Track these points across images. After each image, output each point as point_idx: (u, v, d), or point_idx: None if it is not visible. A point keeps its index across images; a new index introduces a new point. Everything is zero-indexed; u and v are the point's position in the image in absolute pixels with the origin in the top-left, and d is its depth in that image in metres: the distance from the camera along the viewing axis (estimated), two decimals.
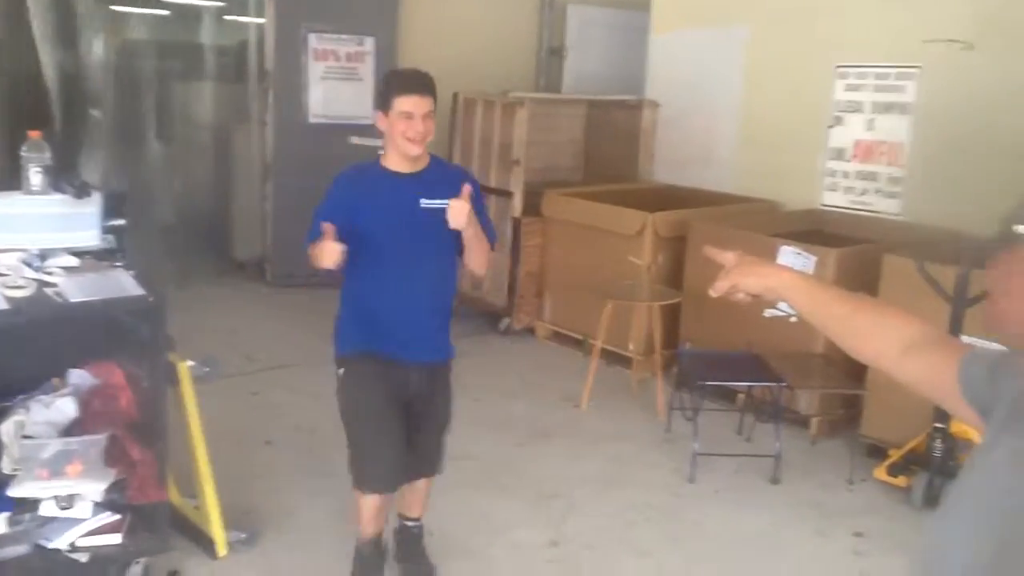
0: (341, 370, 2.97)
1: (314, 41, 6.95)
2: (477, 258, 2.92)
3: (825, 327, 1.46)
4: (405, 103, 2.75)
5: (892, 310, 1.43)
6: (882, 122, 5.36)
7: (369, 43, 7.09)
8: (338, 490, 3.45)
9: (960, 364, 1.27)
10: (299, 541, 3.50)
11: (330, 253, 2.65)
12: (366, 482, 2.97)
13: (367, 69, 7.09)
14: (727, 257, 1.54)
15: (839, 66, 5.51)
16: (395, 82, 2.85)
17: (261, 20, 7.24)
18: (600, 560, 3.52)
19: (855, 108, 5.47)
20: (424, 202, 2.84)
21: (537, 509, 3.86)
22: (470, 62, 7.10)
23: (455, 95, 6.42)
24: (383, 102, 2.80)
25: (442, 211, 2.80)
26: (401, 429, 2.94)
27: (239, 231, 7.49)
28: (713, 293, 1.55)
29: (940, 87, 5.05)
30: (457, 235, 2.84)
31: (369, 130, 6.94)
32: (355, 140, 6.74)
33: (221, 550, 3.31)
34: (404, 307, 2.90)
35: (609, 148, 6.89)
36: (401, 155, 2.83)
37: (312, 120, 6.96)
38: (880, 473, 4.15)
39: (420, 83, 2.80)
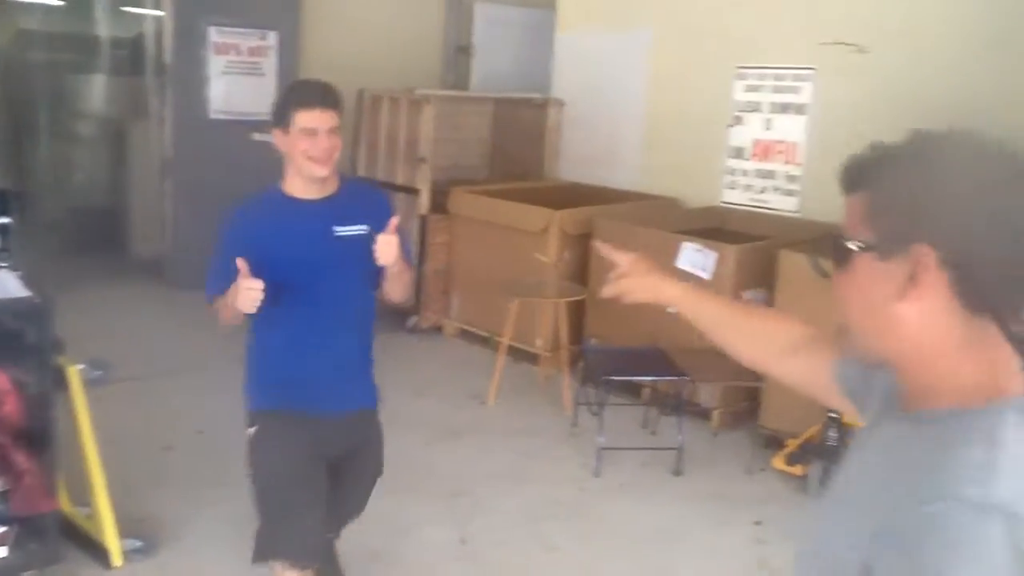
0: (250, 429, 2.62)
1: (215, 34, 6.77)
2: (401, 289, 2.65)
3: (713, 335, 1.54)
4: (306, 118, 2.43)
5: (774, 315, 1.52)
6: (779, 122, 5.52)
7: (272, 37, 6.95)
8: (237, 497, 3.37)
9: (834, 363, 1.33)
10: (197, 549, 3.42)
11: (247, 295, 2.29)
12: (284, 555, 2.56)
13: (270, 64, 6.95)
14: (622, 259, 1.57)
15: (739, 67, 5.65)
16: (294, 95, 2.53)
17: (160, 12, 7.03)
18: (508, 556, 3.53)
19: (754, 108, 5.62)
20: (338, 230, 2.53)
21: (446, 507, 3.85)
22: (376, 58, 7.04)
23: (360, 92, 6.35)
24: (281, 118, 2.46)
25: (360, 239, 2.51)
26: (322, 493, 2.58)
27: (138, 230, 7.26)
28: (604, 294, 1.59)
29: (834, 88, 5.22)
30: (375, 263, 2.52)
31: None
32: (257, 136, 6.62)
33: (116, 560, 3.20)
34: (321, 353, 2.57)
35: (515, 146, 6.92)
36: (306, 178, 2.50)
37: (213, 116, 6.78)
38: (778, 463, 4.27)
39: (322, 95, 2.48)
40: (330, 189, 2.56)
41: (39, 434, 2.96)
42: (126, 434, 4.11)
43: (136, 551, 3.28)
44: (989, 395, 1.00)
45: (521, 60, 7.92)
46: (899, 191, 1.02)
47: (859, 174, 1.09)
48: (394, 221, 2.50)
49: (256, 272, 2.33)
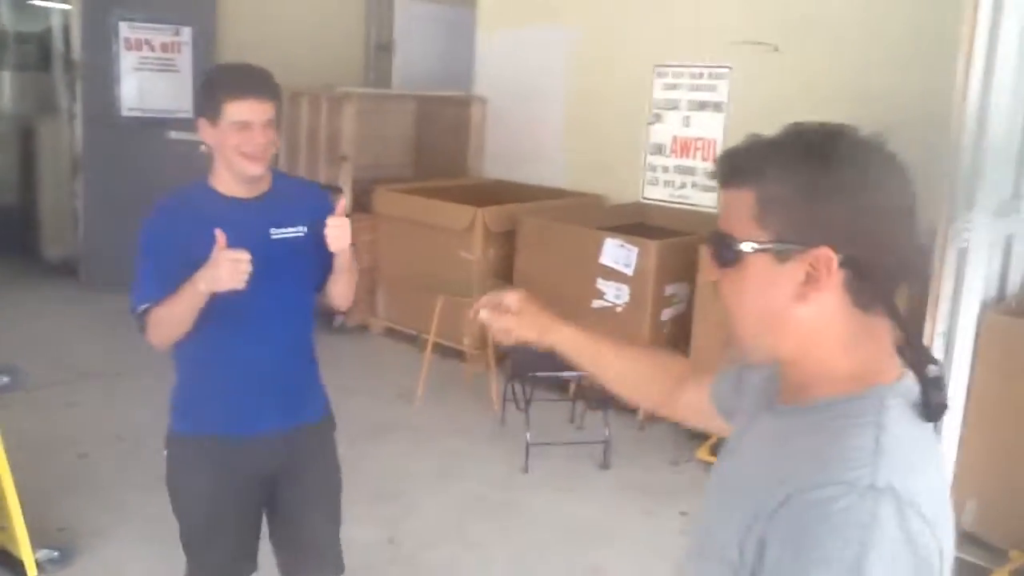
0: (166, 451, 2.41)
1: (125, 30, 6.58)
2: (346, 290, 2.40)
3: (602, 379, 1.55)
4: (239, 110, 2.13)
5: (659, 356, 1.57)
6: (697, 119, 5.62)
7: (186, 33, 6.78)
8: (157, 503, 3.29)
9: (711, 386, 1.38)
10: (117, 556, 3.32)
11: (235, 267, 2.05)
12: None
13: (184, 60, 6.78)
14: (510, 298, 1.54)
15: (657, 65, 5.73)
16: (224, 83, 2.19)
17: (67, 6, 6.80)
18: (437, 556, 3.53)
19: (672, 106, 5.71)
20: (275, 232, 2.26)
21: (374, 508, 3.82)
22: (295, 55, 6.92)
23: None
24: (208, 108, 2.16)
25: (298, 243, 2.28)
26: (244, 524, 2.41)
27: (47, 230, 7.01)
28: (489, 324, 1.55)
29: (749, 86, 5.34)
30: (317, 266, 2.32)
31: (188, 124, 6.68)
32: (174, 135, 6.47)
33: (31, 572, 3.09)
34: (251, 367, 2.30)
35: (439, 144, 6.90)
36: (237, 176, 2.21)
37: (126, 113, 6.59)
38: (703, 453, 4.36)
39: (257, 82, 2.18)
40: (264, 186, 2.28)
41: None
42: (38, 442, 3.97)
43: (52, 561, 3.18)
44: (869, 382, 1.04)
45: (443, 57, 7.91)
46: (792, 190, 1.03)
47: (741, 168, 1.08)
48: (341, 203, 2.29)
49: (183, 278, 2.11)
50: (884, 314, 1.05)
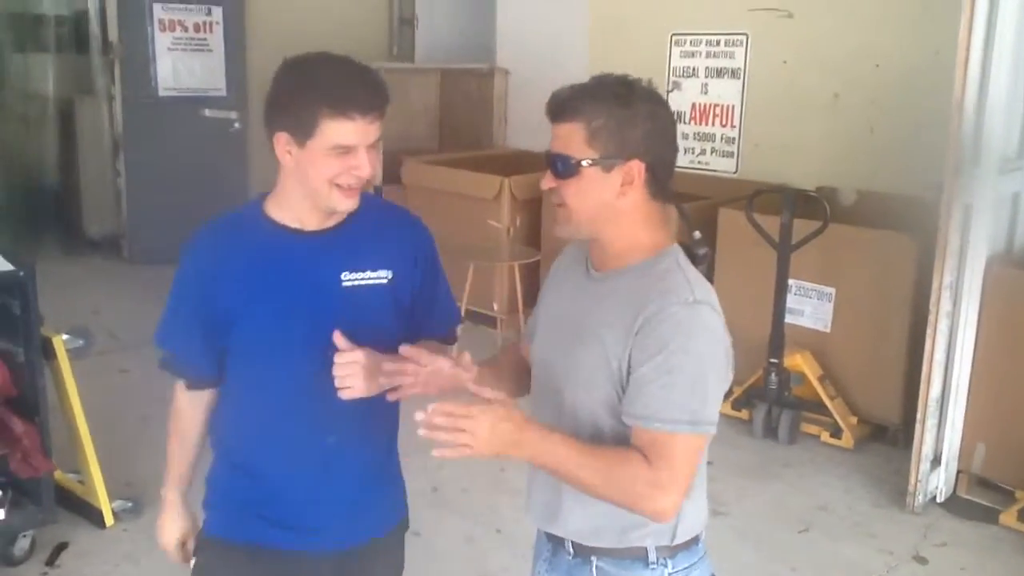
0: (193, 559, 1.92)
1: (159, 11, 6.81)
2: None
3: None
4: (344, 131, 1.57)
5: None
6: (715, 86, 5.77)
7: (217, 13, 7.00)
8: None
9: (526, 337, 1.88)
10: None
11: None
12: None
13: (216, 39, 7.01)
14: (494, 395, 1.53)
15: (675, 34, 5.88)
16: (324, 90, 1.58)
17: None
18: (477, 501, 3.78)
19: (691, 73, 5.87)
20: (348, 278, 1.72)
21: (414, 460, 4.06)
22: (320, 32, 7.02)
23: None
24: (294, 121, 1.59)
25: (380, 290, 1.75)
26: None
27: (90, 208, 7.28)
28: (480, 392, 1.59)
29: (765, 52, 5.49)
30: (401, 319, 1.80)
31: (221, 101, 6.92)
32: (208, 113, 6.70)
33: (108, 519, 3.36)
34: (319, 457, 1.78)
35: (463, 116, 7.09)
36: (319, 208, 1.68)
37: (163, 93, 6.84)
38: (725, 408, 4.57)
39: (371, 93, 1.62)
40: (339, 217, 1.72)
41: (30, 402, 3.11)
42: (101, 405, 4.23)
43: (126, 511, 3.45)
44: (661, 247, 1.59)
45: (464, 30, 8.05)
46: (610, 121, 1.51)
47: (569, 107, 1.54)
48: (339, 338, 1.65)
49: (222, 333, 1.71)
50: (666, 200, 1.61)
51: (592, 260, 1.66)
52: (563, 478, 1.53)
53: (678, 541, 1.61)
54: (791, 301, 4.44)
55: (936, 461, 3.80)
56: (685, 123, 5.91)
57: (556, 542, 1.71)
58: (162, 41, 6.82)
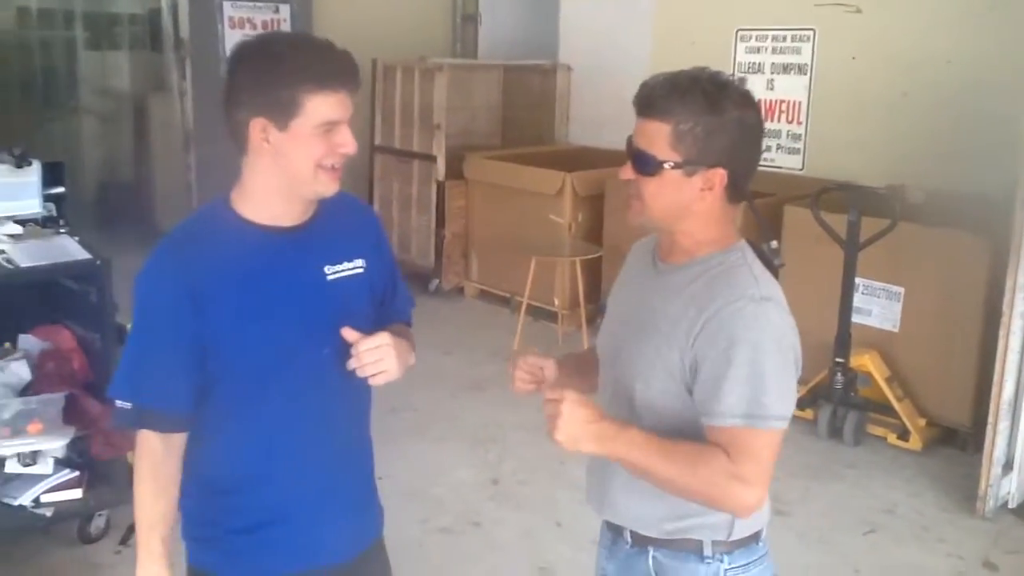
0: None
1: (229, 9, 6.95)
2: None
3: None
4: (328, 106, 1.51)
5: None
6: (781, 82, 5.70)
7: (285, 10, 7.12)
8: None
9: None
10: None
11: None
12: None
13: None
14: (548, 369, 1.75)
15: (740, 29, 5.82)
16: (301, 66, 1.50)
17: None
18: (537, 493, 3.80)
19: (756, 69, 5.80)
20: (331, 271, 1.65)
21: (475, 452, 4.12)
22: (386, 29, 7.19)
23: (374, 61, 6.54)
24: (272, 104, 1.49)
25: (359, 280, 1.69)
26: None
27: (162, 201, 7.48)
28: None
29: (832, 48, 5.40)
30: (374, 306, 1.75)
31: None
32: None
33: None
34: (313, 468, 1.69)
35: (525, 112, 7.10)
36: (298, 197, 1.60)
37: None
38: None
39: (347, 66, 1.56)
40: (312, 209, 1.64)
41: (106, 387, 3.21)
42: None
43: None
44: (728, 243, 1.59)
45: (527, 27, 8.07)
46: (697, 127, 1.49)
47: (659, 105, 1.51)
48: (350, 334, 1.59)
49: (210, 356, 1.56)
50: (741, 200, 1.60)
51: (660, 251, 1.67)
52: (646, 474, 1.51)
53: (735, 537, 1.60)
54: (858, 300, 4.36)
55: (1008, 465, 3.71)
56: None
57: (616, 531, 1.72)
58: (232, 38, 6.95)
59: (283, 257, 1.60)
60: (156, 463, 1.60)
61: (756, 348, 1.47)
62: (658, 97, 1.51)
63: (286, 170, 1.53)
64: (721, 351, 1.48)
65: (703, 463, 1.48)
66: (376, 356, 1.56)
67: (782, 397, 1.50)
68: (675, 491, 1.52)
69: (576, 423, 1.47)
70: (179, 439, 1.62)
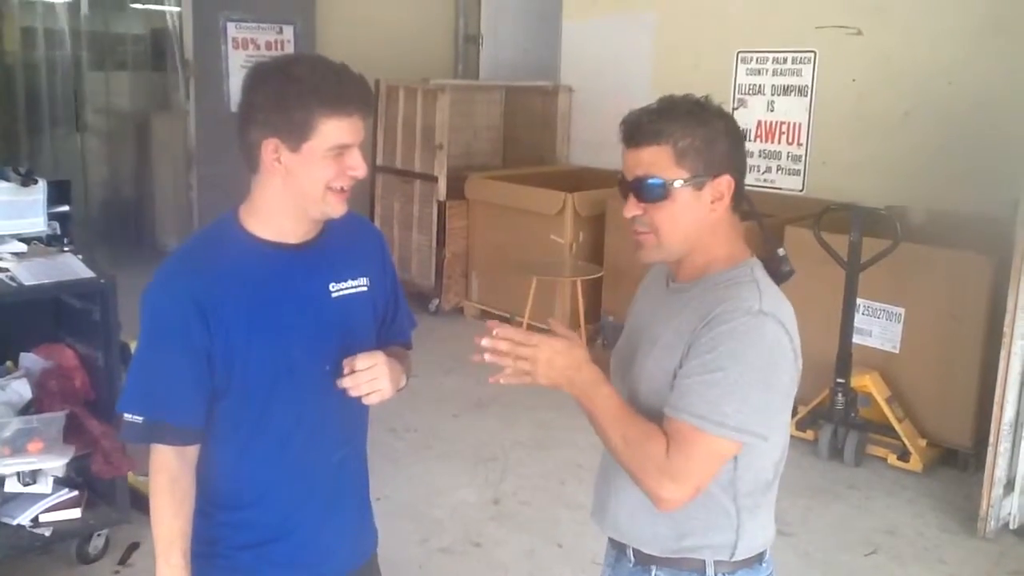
0: None
1: (232, 30, 7.00)
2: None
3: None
4: (340, 129, 1.54)
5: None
6: (781, 104, 5.73)
7: (288, 31, 7.18)
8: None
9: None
10: None
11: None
12: None
13: None
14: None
15: (740, 51, 5.86)
16: (317, 89, 1.53)
17: (177, 8, 7.26)
18: (538, 514, 3.79)
19: (757, 91, 5.84)
20: (336, 288, 1.69)
21: (476, 472, 4.11)
22: (388, 50, 7.25)
23: (377, 82, 6.58)
24: (286, 125, 1.53)
25: (362, 298, 1.73)
26: None
27: (163, 220, 7.50)
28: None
29: (833, 70, 5.44)
30: (376, 325, 1.79)
31: None
32: None
33: None
34: (325, 477, 1.73)
35: (527, 133, 7.14)
36: (308, 216, 1.63)
37: (235, 108, 6.96)
38: (790, 428, 4.50)
39: (361, 90, 1.59)
40: (318, 226, 1.68)
41: (108, 404, 3.21)
42: None
43: None
44: (738, 260, 1.60)
45: (529, 48, 8.13)
46: (696, 140, 1.52)
47: (650, 131, 1.54)
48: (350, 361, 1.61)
49: (220, 369, 1.58)
50: (742, 211, 1.62)
51: (673, 273, 1.68)
52: (596, 429, 1.56)
53: (738, 558, 1.60)
54: (859, 321, 4.37)
55: (1009, 486, 3.70)
56: (751, 141, 5.87)
57: (619, 549, 1.72)
58: (235, 58, 7.00)
59: (290, 273, 1.63)
60: (172, 477, 1.61)
61: (737, 359, 1.47)
62: (648, 123, 1.54)
63: (296, 190, 1.57)
64: (703, 354, 1.49)
65: (642, 444, 1.50)
66: (371, 376, 1.59)
67: (752, 412, 1.48)
68: (616, 458, 1.56)
69: (557, 363, 1.55)
70: (192, 452, 1.63)
